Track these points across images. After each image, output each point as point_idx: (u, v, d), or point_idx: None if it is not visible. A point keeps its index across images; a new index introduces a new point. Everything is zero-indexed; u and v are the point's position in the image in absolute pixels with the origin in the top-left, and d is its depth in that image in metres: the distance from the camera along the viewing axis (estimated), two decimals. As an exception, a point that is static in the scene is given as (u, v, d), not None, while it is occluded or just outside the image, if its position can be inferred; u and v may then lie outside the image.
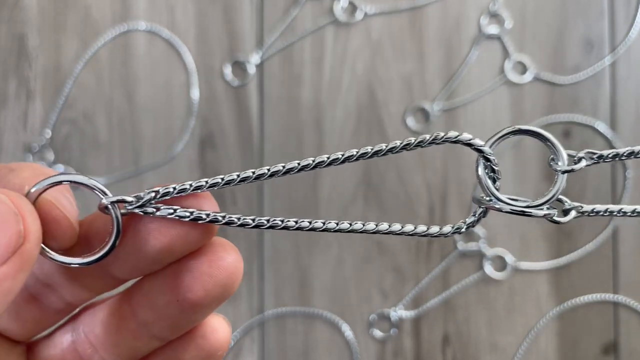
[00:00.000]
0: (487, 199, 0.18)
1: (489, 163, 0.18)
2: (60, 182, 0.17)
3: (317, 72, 0.54)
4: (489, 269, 0.53)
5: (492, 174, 0.18)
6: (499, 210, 0.18)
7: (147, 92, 0.54)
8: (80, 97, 0.53)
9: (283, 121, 0.54)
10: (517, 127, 0.18)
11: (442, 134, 0.18)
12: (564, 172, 0.18)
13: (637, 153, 0.18)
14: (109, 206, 0.17)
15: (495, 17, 0.55)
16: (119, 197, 0.17)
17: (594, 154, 0.19)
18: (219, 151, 0.53)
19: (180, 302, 0.17)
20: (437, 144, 0.19)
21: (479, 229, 0.53)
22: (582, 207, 0.19)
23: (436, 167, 0.53)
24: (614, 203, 0.54)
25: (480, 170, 0.18)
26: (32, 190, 0.16)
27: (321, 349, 0.53)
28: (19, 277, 0.15)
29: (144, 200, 0.17)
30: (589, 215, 0.19)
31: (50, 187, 0.17)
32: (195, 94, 0.54)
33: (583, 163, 0.19)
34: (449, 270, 0.53)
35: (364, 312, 0.53)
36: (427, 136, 0.18)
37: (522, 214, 0.18)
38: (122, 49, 0.54)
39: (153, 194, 0.17)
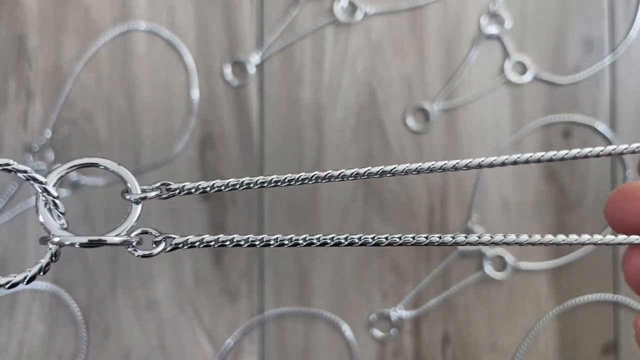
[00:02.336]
0: (52, 236, 0.17)
1: (51, 198, 0.17)
2: None
3: (317, 72, 0.54)
4: (489, 269, 0.53)
5: (55, 209, 0.17)
6: (72, 244, 0.17)
7: (147, 92, 0.54)
8: (80, 97, 0.53)
9: (283, 121, 0.54)
10: (84, 160, 0.18)
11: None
12: (135, 201, 0.18)
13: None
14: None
15: (495, 17, 0.55)
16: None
17: (168, 185, 0.18)
18: (218, 151, 0.53)
19: None
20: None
21: (478, 229, 0.53)
22: (173, 237, 0.18)
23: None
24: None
25: (40, 205, 0.17)
26: None
27: (321, 349, 0.53)
28: None
29: None
30: (182, 247, 0.18)
31: None
32: (195, 93, 0.54)
33: (153, 193, 0.18)
34: (449, 270, 0.53)
35: (364, 312, 0.53)
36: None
37: (99, 244, 0.18)
38: (122, 49, 0.54)
39: None
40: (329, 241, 0.20)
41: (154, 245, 0.19)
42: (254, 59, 0.54)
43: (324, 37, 0.54)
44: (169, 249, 0.19)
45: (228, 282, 0.53)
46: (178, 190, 0.19)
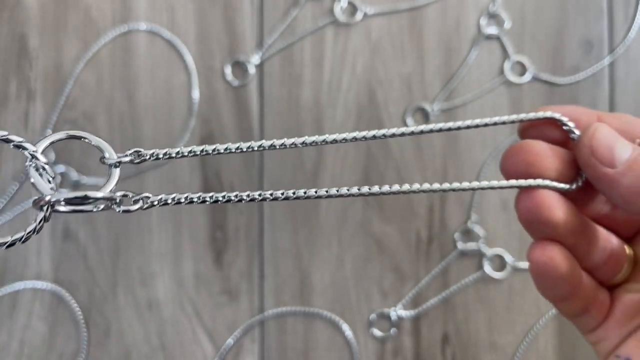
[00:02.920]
0: (45, 197, 0.19)
1: (40, 163, 0.19)
2: None
3: (317, 72, 0.54)
4: (488, 268, 0.53)
5: (45, 172, 0.19)
6: (48, 202, 0.19)
7: (148, 92, 0.54)
8: (80, 97, 0.54)
9: (283, 121, 0.54)
10: (71, 132, 0.20)
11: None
12: (113, 165, 0.20)
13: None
14: None
15: (494, 17, 0.55)
16: None
17: (139, 151, 0.21)
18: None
19: None
20: None
21: (478, 229, 0.53)
22: (149, 197, 0.21)
23: (436, 167, 0.54)
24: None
25: (32, 172, 0.19)
26: None
27: (321, 349, 0.53)
28: None
29: None
30: (157, 205, 0.21)
31: None
32: (195, 94, 0.54)
33: (127, 158, 0.21)
34: (449, 269, 0.53)
35: (363, 311, 0.53)
36: None
37: (82, 204, 0.19)
38: (122, 49, 0.54)
39: None
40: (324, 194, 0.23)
41: (132, 204, 0.21)
42: (254, 59, 0.54)
43: (324, 37, 0.54)
44: (145, 206, 0.21)
45: (228, 282, 0.53)
46: (148, 156, 0.21)
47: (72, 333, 0.52)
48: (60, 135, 0.20)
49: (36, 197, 0.19)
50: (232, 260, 0.53)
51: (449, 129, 0.24)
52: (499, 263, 0.53)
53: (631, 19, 0.55)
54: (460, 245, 0.53)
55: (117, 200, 0.20)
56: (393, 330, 0.53)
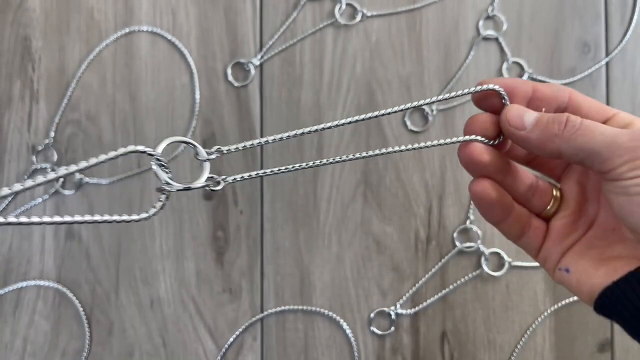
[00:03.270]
0: (165, 185, 0.26)
1: (161, 162, 0.26)
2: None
3: (317, 73, 0.55)
4: (486, 267, 0.53)
5: (165, 169, 0.26)
6: (171, 191, 0.26)
7: (150, 93, 0.54)
8: (83, 98, 0.54)
9: (283, 122, 0.54)
10: (179, 138, 0.27)
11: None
12: (204, 160, 0.27)
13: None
14: None
15: (492, 19, 0.55)
16: None
17: (220, 148, 0.28)
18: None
19: None
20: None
21: (476, 229, 0.54)
22: (226, 178, 0.28)
23: (434, 168, 0.54)
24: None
25: (155, 167, 0.26)
26: None
27: (321, 346, 0.53)
28: None
29: None
30: (236, 181, 0.28)
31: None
32: (197, 94, 0.54)
33: (213, 156, 0.28)
34: (447, 268, 0.54)
35: (363, 310, 0.54)
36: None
37: (189, 189, 0.26)
38: (124, 50, 0.54)
39: None
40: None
41: (217, 185, 0.28)
42: (255, 60, 0.54)
43: (323, 38, 0.55)
44: (225, 184, 0.28)
45: (230, 281, 0.53)
46: (226, 151, 0.28)
47: (75, 331, 0.53)
48: (172, 139, 0.27)
49: (159, 187, 0.26)
50: (233, 259, 0.54)
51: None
52: (497, 262, 0.54)
53: (627, 22, 0.56)
54: (459, 244, 0.54)
55: (211, 185, 0.27)
56: (392, 329, 0.53)
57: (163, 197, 0.26)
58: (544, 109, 0.30)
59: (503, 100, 0.31)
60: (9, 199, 0.53)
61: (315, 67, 0.55)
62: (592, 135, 0.27)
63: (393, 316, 0.53)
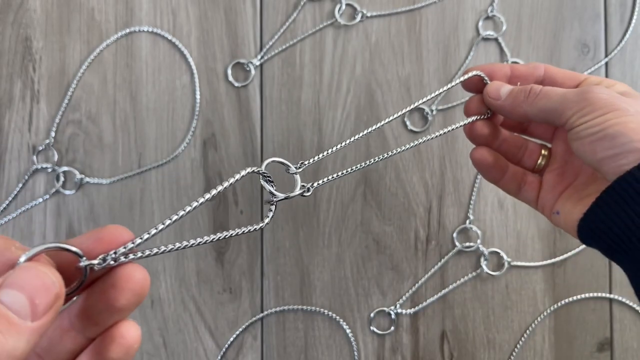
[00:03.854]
0: (272, 197, 0.29)
1: (267, 177, 0.29)
2: (44, 250, 0.22)
3: (317, 74, 0.55)
4: (486, 267, 0.54)
5: (270, 182, 0.29)
6: (278, 200, 0.29)
7: (150, 94, 0.54)
8: (84, 98, 0.54)
9: (283, 122, 0.54)
10: (274, 159, 0.31)
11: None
12: (294, 173, 0.32)
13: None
14: (84, 266, 0.23)
15: (492, 20, 0.55)
16: (89, 263, 0.23)
17: (304, 163, 0.32)
18: (220, 151, 0.54)
19: (110, 309, 0.24)
20: None
21: (475, 229, 0.54)
22: (312, 185, 0.32)
23: (433, 168, 0.54)
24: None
25: (263, 183, 0.29)
26: (23, 260, 0.21)
27: (321, 346, 0.54)
28: (50, 323, 0.21)
29: (105, 263, 0.23)
30: (320, 185, 0.33)
31: (37, 254, 0.21)
32: (197, 95, 0.54)
33: (302, 168, 0.32)
34: (447, 268, 0.54)
35: (363, 309, 0.54)
36: None
37: (288, 197, 0.30)
38: (125, 51, 0.55)
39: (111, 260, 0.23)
40: None
41: (308, 191, 0.32)
42: (255, 60, 0.54)
43: (323, 39, 0.55)
44: (312, 190, 0.32)
45: (230, 280, 0.54)
46: (311, 162, 0.33)
47: (75, 331, 0.53)
48: (271, 160, 0.30)
49: (267, 199, 0.30)
50: (233, 259, 0.54)
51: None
52: (496, 262, 0.54)
53: (627, 22, 0.56)
54: (459, 244, 0.54)
55: (304, 192, 0.31)
56: (392, 328, 0.53)
57: (272, 207, 0.30)
58: (519, 83, 0.37)
59: (484, 81, 0.38)
60: (9, 198, 0.53)
61: (315, 67, 0.55)
62: (549, 97, 0.33)
63: (393, 316, 0.53)
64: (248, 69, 0.54)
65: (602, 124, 0.31)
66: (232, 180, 0.27)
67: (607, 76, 0.55)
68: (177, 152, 0.54)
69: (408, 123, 0.54)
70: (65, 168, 0.53)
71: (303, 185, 0.32)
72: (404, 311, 0.53)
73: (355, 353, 0.53)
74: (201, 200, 0.25)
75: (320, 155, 0.34)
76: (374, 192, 0.54)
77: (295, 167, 0.32)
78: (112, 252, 0.23)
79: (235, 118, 0.54)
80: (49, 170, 0.53)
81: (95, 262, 0.23)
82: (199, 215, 0.54)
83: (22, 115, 0.54)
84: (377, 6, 0.55)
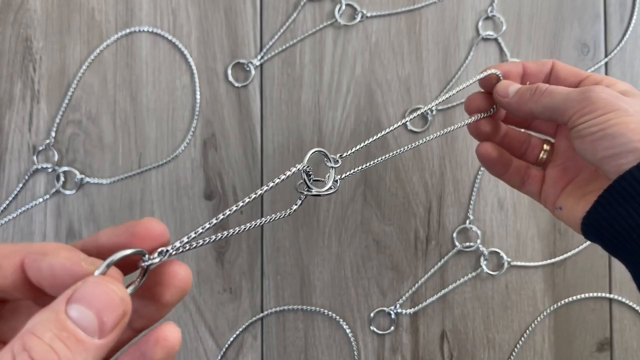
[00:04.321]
0: (306, 190, 0.30)
1: (310, 173, 0.30)
2: (114, 262, 0.22)
3: (317, 74, 0.55)
4: (485, 267, 0.54)
5: (309, 176, 0.30)
6: (310, 194, 0.30)
7: (151, 94, 0.54)
8: (84, 98, 0.54)
9: (283, 122, 0.54)
10: (317, 149, 0.31)
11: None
12: (331, 167, 0.32)
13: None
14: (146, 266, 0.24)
15: (491, 20, 0.56)
16: (151, 262, 0.24)
17: (341, 155, 0.32)
18: (220, 151, 0.54)
19: (156, 304, 0.25)
20: None
21: (475, 229, 0.54)
22: (342, 176, 0.33)
23: (433, 168, 0.54)
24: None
25: (304, 176, 0.30)
26: (97, 274, 0.21)
27: (321, 346, 0.54)
28: (115, 340, 0.21)
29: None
30: (343, 178, 0.33)
31: (109, 267, 0.22)
32: (197, 95, 0.54)
33: (339, 162, 0.32)
34: (447, 268, 0.54)
35: (363, 309, 0.54)
36: None
37: (319, 195, 0.31)
38: (125, 51, 0.55)
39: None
40: None
41: (336, 184, 0.32)
42: (255, 60, 0.54)
43: (323, 39, 0.55)
44: (335, 186, 0.32)
45: (230, 280, 0.54)
46: (347, 154, 0.33)
47: (75, 331, 0.53)
48: (315, 150, 0.31)
49: (302, 191, 0.30)
50: (233, 259, 0.54)
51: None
52: (496, 262, 0.54)
53: (627, 22, 0.56)
54: (458, 244, 0.54)
55: (333, 189, 0.31)
56: (392, 328, 0.54)
57: (302, 197, 0.30)
58: (528, 82, 0.39)
59: (500, 79, 0.39)
60: (10, 198, 0.53)
61: (315, 67, 0.55)
62: (553, 96, 0.34)
63: (393, 316, 0.53)
64: (248, 69, 0.54)
65: (603, 124, 0.31)
66: (282, 177, 0.28)
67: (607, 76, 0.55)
68: (177, 152, 0.54)
69: (408, 123, 0.55)
70: (65, 168, 0.53)
71: (335, 181, 0.32)
72: (403, 311, 0.54)
73: (355, 353, 0.53)
74: (254, 195, 0.27)
75: (358, 146, 0.34)
76: (373, 192, 0.54)
77: (334, 160, 0.32)
78: (165, 249, 0.24)
79: (235, 118, 0.54)
80: (49, 170, 0.53)
81: (156, 260, 0.24)
82: (199, 216, 0.54)
83: (22, 115, 0.54)
84: (377, 6, 0.55)
